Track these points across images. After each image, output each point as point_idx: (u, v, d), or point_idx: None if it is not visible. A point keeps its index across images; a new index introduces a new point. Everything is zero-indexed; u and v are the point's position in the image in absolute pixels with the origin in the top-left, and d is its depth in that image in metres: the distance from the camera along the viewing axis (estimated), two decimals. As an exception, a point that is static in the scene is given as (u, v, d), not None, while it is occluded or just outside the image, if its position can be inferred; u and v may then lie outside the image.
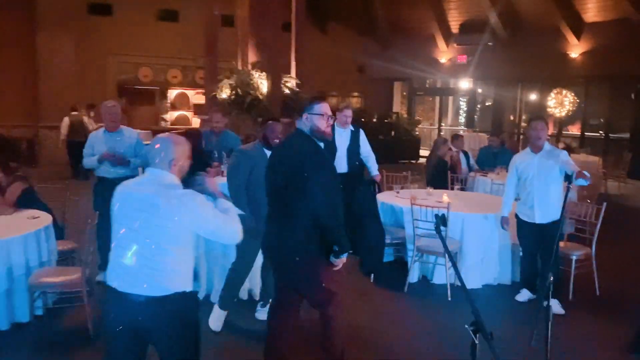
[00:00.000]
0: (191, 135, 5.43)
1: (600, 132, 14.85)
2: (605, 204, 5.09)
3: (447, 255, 2.28)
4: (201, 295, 4.86)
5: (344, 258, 3.13)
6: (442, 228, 2.12)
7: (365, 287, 5.28)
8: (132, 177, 5.23)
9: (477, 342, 1.90)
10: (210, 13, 9.06)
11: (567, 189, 2.78)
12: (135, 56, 15.32)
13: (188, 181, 2.52)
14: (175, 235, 2.38)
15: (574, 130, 16.18)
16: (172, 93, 16.51)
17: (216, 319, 4.29)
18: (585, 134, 15.05)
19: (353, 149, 5.98)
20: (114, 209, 2.46)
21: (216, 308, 4.32)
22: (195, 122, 15.01)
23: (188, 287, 2.47)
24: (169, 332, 2.41)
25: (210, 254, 4.87)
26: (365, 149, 6.14)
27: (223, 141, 6.06)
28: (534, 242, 4.76)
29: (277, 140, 4.13)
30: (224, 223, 2.47)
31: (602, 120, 15.16)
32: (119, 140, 5.15)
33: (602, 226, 5.04)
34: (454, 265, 2.02)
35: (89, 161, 5.20)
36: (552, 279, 2.45)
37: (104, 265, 5.28)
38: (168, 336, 2.42)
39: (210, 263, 4.89)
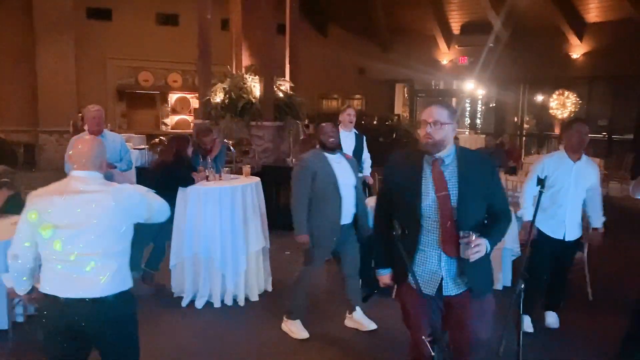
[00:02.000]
0: (179, 140, 5.37)
1: (604, 133, 14.67)
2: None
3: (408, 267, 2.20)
4: (185, 302, 4.82)
5: (380, 275, 2.77)
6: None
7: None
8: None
9: (433, 354, 1.83)
10: (206, 17, 9.03)
11: (540, 194, 2.69)
12: (135, 60, 15.33)
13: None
14: (124, 229, 2.43)
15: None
16: (173, 97, 16.51)
17: (295, 330, 4.24)
18: (588, 135, 14.88)
19: (358, 152, 5.93)
20: (46, 218, 2.35)
21: (289, 322, 4.28)
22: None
23: (129, 285, 2.52)
24: (113, 332, 2.43)
25: (195, 259, 4.83)
26: (365, 153, 6.17)
27: (220, 154, 6.01)
28: (551, 259, 4.23)
29: (333, 140, 4.07)
30: (157, 202, 2.63)
31: (605, 121, 14.98)
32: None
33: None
34: (413, 275, 1.94)
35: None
36: (522, 286, 2.37)
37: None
38: (111, 337, 2.44)
39: (196, 268, 4.85)
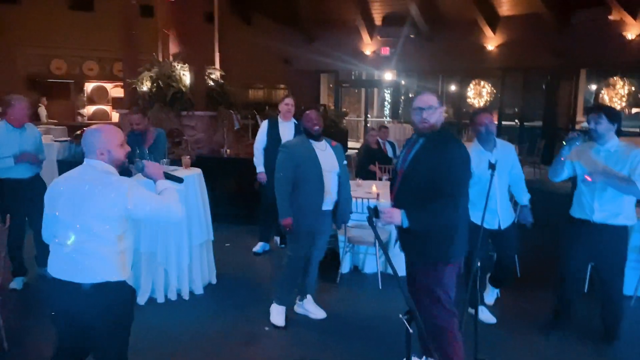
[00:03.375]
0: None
1: (516, 121, 15.62)
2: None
3: (381, 249, 2.27)
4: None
5: None
6: (374, 220, 2.10)
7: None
8: (38, 174, 4.94)
9: (411, 331, 1.91)
10: (127, 2, 8.64)
11: (491, 177, 2.85)
12: (47, 47, 14.39)
13: (129, 167, 2.62)
14: (112, 221, 2.45)
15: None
16: (89, 86, 15.69)
17: (276, 314, 4.27)
18: (502, 122, 15.78)
19: None
20: (57, 204, 2.49)
21: (274, 305, 4.31)
22: (115, 116, 14.36)
23: (125, 276, 2.57)
24: (105, 320, 2.49)
25: (136, 255, 4.63)
26: None
27: (157, 143, 5.66)
28: (486, 248, 4.30)
29: (318, 127, 4.09)
30: (158, 203, 2.56)
31: (516, 109, 15.95)
32: (26, 137, 4.87)
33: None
34: (389, 260, 2.01)
35: None
36: (479, 264, 2.51)
37: (18, 271, 4.95)
38: (103, 325, 2.49)
39: (136, 264, 4.66)
